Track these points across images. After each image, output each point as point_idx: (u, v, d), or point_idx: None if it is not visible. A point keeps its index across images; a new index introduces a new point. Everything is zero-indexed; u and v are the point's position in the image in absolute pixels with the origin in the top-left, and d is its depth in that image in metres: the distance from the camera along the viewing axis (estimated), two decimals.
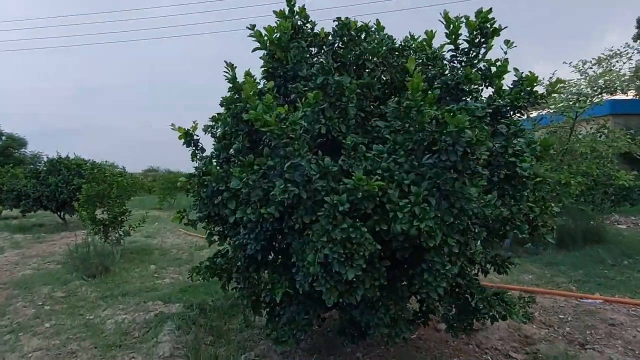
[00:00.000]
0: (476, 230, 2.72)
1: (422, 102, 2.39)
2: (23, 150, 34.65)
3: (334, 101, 3.01)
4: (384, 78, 3.63)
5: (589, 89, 7.14)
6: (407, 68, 3.55)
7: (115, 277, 6.99)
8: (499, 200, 2.45)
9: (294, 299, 3.12)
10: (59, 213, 14.42)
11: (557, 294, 5.39)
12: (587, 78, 7.50)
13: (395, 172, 2.58)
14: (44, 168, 14.05)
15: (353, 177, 2.36)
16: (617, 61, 7.73)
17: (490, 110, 3.03)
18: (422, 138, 2.67)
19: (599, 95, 7.07)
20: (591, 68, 7.81)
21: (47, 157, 15.01)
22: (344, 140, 2.65)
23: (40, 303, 5.74)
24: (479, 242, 2.82)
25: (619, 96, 8.72)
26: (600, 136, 7.40)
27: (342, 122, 3.03)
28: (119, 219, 8.38)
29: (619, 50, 7.69)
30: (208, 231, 3.57)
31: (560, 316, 4.68)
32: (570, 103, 7.20)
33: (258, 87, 3.12)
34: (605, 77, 7.08)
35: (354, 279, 2.51)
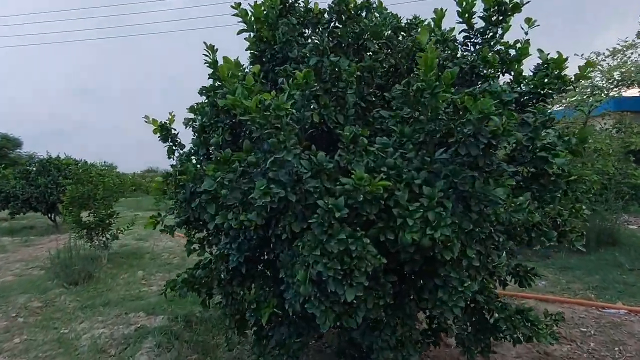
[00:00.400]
0: (500, 240, 2.27)
1: (437, 83, 1.94)
2: (18, 150, 34.15)
3: (330, 87, 2.56)
4: (386, 66, 3.18)
5: (604, 82, 6.68)
6: (415, 50, 3.12)
7: (98, 284, 6.54)
8: (533, 204, 2.01)
9: (284, 319, 2.68)
10: (49, 215, 13.96)
11: (575, 303, 4.94)
12: (601, 71, 7.05)
13: (403, 170, 2.14)
14: (34, 168, 13.58)
15: (352, 176, 1.91)
16: (632, 53, 7.28)
17: (517, 95, 2.59)
18: (434, 128, 2.23)
19: (616, 88, 6.61)
20: (604, 60, 7.36)
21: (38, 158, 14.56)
22: (341, 132, 2.20)
23: (14, 314, 5.29)
24: (504, 254, 2.37)
25: (630, 92, 8.24)
26: (617, 131, 6.95)
27: (339, 112, 2.58)
28: (106, 221, 7.92)
29: (634, 41, 7.24)
30: (187, 239, 3.13)
31: (583, 329, 4.24)
32: (584, 97, 6.74)
33: (243, 72, 2.67)
34: (622, 70, 6.62)
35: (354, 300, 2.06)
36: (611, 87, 6.67)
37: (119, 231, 8.06)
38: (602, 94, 6.60)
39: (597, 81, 6.84)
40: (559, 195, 2.41)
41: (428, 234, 1.99)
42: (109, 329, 4.64)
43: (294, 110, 1.97)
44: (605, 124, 7.50)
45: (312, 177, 2.06)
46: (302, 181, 2.02)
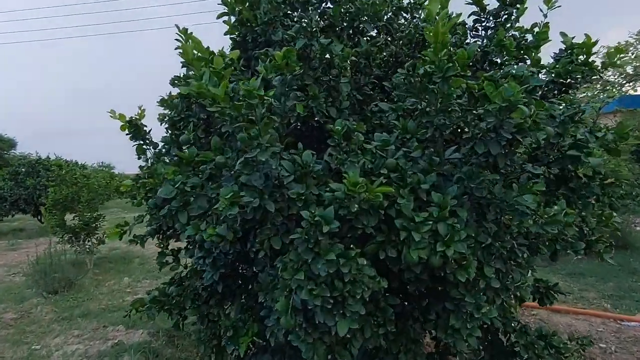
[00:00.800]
0: (524, 256, 1.90)
1: (449, 65, 1.56)
2: (13, 151, 33.70)
3: (320, 75, 2.19)
4: (385, 54, 2.80)
5: (616, 77, 6.29)
6: (418, 37, 2.75)
7: (80, 293, 6.14)
8: (570, 216, 1.63)
9: (268, 346, 2.30)
10: (38, 217, 13.56)
11: (591, 315, 4.56)
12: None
13: (407, 172, 1.76)
14: (23, 169, 13.19)
15: (345, 181, 1.53)
16: None
17: (546, 80, 2.22)
18: (444, 122, 1.85)
19: (629, 84, 6.23)
20: None
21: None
22: (332, 126, 1.81)
23: None
24: (529, 273, 2.00)
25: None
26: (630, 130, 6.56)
27: (331, 104, 2.21)
28: (92, 225, 7.53)
29: None
30: (160, 250, 2.75)
31: (602, 345, 3.86)
32: (595, 92, 6.36)
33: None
34: (635, 64, 6.24)
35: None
36: (624, 82, 6.31)
37: (105, 235, 7.67)
38: (614, 90, 6.23)
39: (608, 76, 6.48)
40: (592, 202, 2.04)
41: (438, 251, 1.61)
42: (84, 344, 4.25)
43: (272, 100, 1.59)
44: (616, 121, 7.14)
45: (295, 181, 1.68)
46: (283, 187, 1.64)
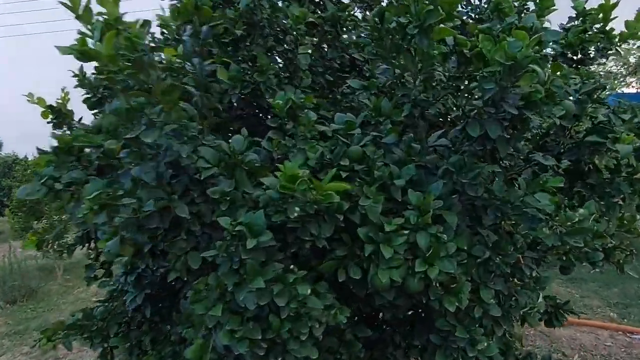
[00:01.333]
0: (533, 274, 1.45)
1: (430, 7, 1.10)
2: None
3: (273, 44, 1.74)
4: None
5: (619, 68, 5.88)
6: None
7: (41, 302, 5.66)
8: (602, 222, 1.18)
9: None
10: None
11: (598, 326, 4.14)
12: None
13: (376, 163, 1.30)
14: None
15: (279, 173, 1.07)
16: None
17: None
18: (426, 98, 1.39)
19: (632, 76, 5.80)
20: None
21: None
22: (271, 100, 1.35)
23: None
24: (540, 297, 1.55)
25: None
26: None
27: (287, 82, 1.75)
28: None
29: None
30: (87, 263, 2.30)
31: None
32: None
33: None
34: (639, 54, 5.83)
35: None
36: (626, 73, 5.89)
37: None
38: (616, 82, 5.82)
39: (610, 67, 6.07)
40: (619, 202, 1.59)
41: (418, 272, 1.16)
42: None
43: (183, 62, 1.12)
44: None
45: (223, 175, 1.22)
46: (202, 183, 1.18)
